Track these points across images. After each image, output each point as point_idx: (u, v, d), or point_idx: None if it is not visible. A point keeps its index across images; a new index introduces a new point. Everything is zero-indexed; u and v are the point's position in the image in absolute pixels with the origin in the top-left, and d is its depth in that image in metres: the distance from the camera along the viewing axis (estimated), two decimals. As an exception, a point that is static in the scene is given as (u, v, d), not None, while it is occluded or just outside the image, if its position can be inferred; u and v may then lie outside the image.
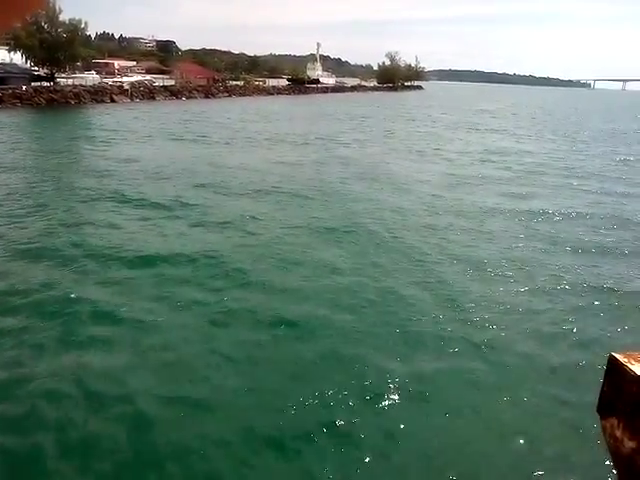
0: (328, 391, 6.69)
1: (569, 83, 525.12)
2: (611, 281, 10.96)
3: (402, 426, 6.19)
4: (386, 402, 6.63)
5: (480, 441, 6.10)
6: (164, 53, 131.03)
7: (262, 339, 8.02)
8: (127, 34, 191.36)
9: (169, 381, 6.89)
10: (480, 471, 5.65)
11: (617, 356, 1.57)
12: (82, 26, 59.13)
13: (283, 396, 6.58)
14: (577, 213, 16.66)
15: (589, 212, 16.83)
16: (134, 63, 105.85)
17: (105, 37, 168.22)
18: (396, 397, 6.72)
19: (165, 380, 6.90)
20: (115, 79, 70.01)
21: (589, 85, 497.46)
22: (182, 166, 21.90)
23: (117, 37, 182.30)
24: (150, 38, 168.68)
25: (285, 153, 27.21)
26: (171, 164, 22.28)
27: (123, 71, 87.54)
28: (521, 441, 6.08)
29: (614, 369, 1.57)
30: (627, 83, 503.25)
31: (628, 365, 1.51)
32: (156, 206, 15.53)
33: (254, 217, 14.70)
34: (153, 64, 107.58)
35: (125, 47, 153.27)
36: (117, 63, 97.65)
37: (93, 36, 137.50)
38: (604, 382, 1.62)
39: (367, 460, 5.63)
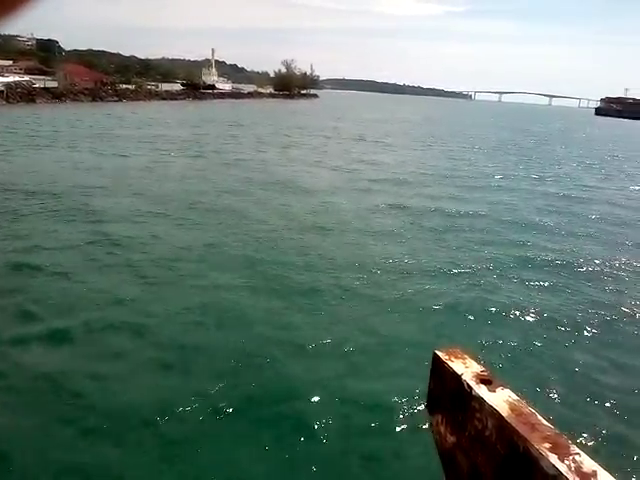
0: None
1: (452, 94, 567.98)
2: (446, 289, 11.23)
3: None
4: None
5: (332, 440, 6.12)
6: (45, 53, 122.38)
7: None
8: (1, 31, 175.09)
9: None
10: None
11: (439, 353, 1.61)
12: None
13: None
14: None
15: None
16: (10, 62, 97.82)
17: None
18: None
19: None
20: (-12, 79, 64.81)
21: (470, 96, 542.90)
22: (54, 187, 18.35)
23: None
24: (29, 36, 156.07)
25: (174, 162, 27.66)
26: (34, 178, 19.57)
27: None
28: (360, 439, 6.12)
29: (437, 366, 1.61)
30: (502, 95, 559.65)
31: (448, 362, 1.55)
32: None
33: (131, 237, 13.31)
34: (33, 64, 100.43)
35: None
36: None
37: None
38: (430, 379, 1.66)
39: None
